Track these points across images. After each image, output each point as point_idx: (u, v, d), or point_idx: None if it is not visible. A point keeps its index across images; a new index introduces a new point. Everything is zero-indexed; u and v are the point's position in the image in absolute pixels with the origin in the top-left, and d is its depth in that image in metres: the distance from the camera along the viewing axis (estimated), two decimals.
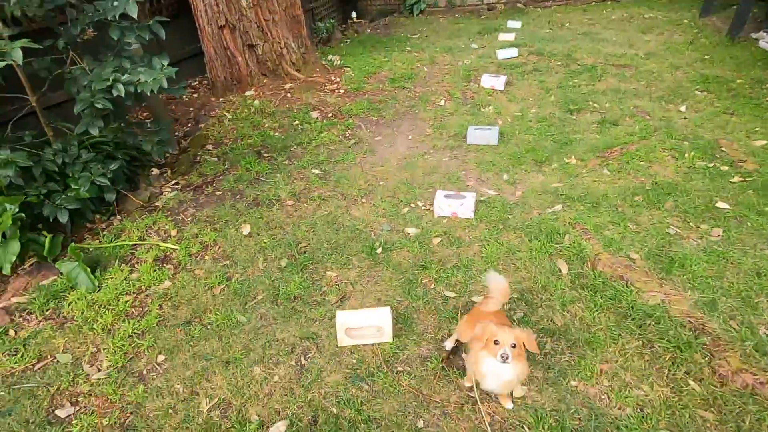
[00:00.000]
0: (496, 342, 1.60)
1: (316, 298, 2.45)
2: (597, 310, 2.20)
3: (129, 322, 2.33)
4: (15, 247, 2.53)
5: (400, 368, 2.04)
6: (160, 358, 2.16)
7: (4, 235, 2.53)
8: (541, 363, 1.98)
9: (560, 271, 2.47)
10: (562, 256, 2.57)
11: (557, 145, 3.76)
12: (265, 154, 3.96)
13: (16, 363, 2.14)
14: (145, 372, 2.10)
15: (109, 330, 2.31)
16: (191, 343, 2.22)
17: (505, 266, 2.55)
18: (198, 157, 3.97)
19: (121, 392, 1.99)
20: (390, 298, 2.42)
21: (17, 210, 2.55)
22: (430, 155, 3.80)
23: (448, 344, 2.09)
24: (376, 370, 2.02)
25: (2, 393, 2.00)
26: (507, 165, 3.55)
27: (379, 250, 2.75)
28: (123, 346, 2.21)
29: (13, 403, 1.96)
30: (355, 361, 2.08)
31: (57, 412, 1.93)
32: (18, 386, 2.03)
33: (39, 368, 2.13)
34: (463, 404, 1.86)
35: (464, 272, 2.53)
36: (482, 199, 3.15)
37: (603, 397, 1.84)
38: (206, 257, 2.80)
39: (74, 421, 1.87)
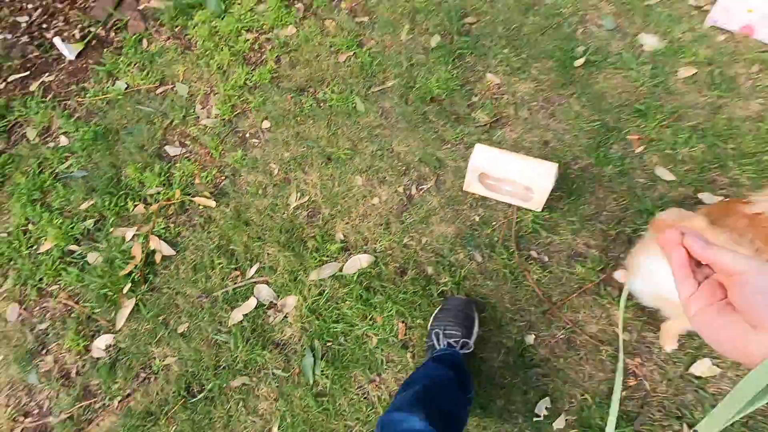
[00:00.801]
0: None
1: (459, 109, 1.73)
2: None
3: (243, 69, 1.97)
4: None
5: (533, 254, 1.43)
6: (265, 124, 1.85)
7: None
8: None
9: None
10: None
11: None
12: None
13: (143, 80, 2.05)
14: (248, 135, 1.84)
15: (224, 71, 2.01)
16: (298, 118, 1.83)
17: None
18: None
19: (222, 150, 1.81)
20: (564, 147, 1.60)
21: None
22: None
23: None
24: (501, 243, 1.46)
25: (129, 108, 1.98)
26: None
27: (578, 62, 1.74)
28: (233, 96, 1.92)
29: (135, 122, 1.93)
30: (477, 219, 1.52)
31: (167, 148, 1.86)
32: (141, 107, 1.97)
33: (160, 93, 2.01)
34: (601, 344, 1.28)
35: (712, 143, 1.49)
36: None
37: None
38: (342, 5, 2.10)
39: (178, 165, 1.80)
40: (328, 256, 1.53)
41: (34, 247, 1.70)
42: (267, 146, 1.79)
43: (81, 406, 1.40)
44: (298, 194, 1.67)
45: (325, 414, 1.31)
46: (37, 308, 1.60)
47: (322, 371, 1.36)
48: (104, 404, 1.40)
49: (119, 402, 1.39)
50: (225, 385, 1.37)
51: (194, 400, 1.36)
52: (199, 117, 1.92)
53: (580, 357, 1.28)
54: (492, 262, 1.44)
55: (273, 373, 1.38)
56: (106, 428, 1.36)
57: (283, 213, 1.63)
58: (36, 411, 1.43)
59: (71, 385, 1.44)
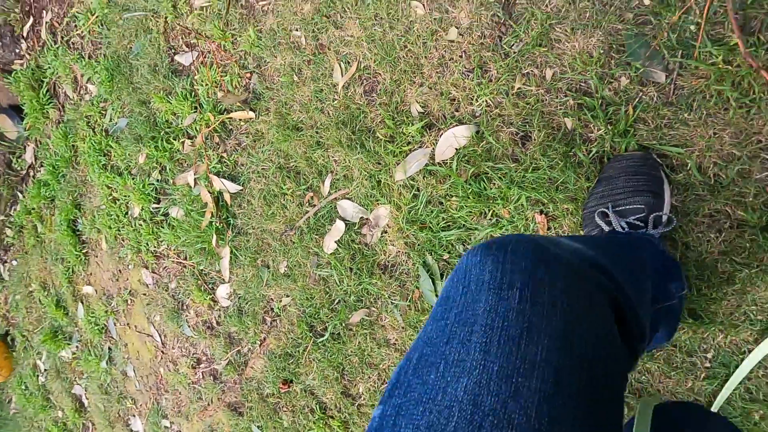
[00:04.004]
0: None
1: None
2: None
3: None
4: None
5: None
6: None
7: None
8: None
9: None
10: None
11: None
12: None
13: None
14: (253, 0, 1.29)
15: None
16: None
17: None
18: None
19: (232, 36, 1.33)
20: None
21: None
22: None
23: None
24: (703, 34, 0.76)
25: (121, 22, 1.57)
26: None
27: None
28: None
29: (135, 38, 1.54)
30: (646, 2, 0.81)
31: (177, 57, 1.46)
32: (129, 15, 1.54)
33: None
34: None
35: None
36: None
37: None
38: None
39: (197, 76, 1.41)
40: (409, 143, 1.08)
41: (129, 213, 1.66)
42: (278, 5, 1.23)
43: (232, 353, 1.45)
44: (342, 64, 1.15)
45: None
46: (161, 269, 1.62)
47: None
48: (250, 349, 1.42)
49: (259, 346, 1.39)
50: (346, 321, 1.21)
51: (322, 339, 1.26)
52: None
53: None
54: (690, 77, 0.79)
55: (392, 302, 1.14)
56: (260, 369, 1.40)
57: (334, 99, 1.17)
58: (204, 359, 1.55)
59: (216, 334, 1.49)
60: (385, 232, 1.15)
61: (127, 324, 1.77)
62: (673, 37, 0.79)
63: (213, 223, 1.41)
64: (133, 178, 1.61)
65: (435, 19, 1.01)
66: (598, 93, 0.86)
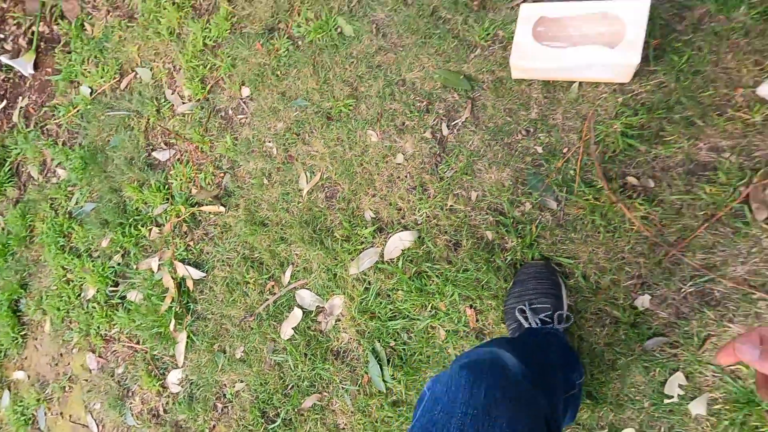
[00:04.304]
0: None
1: None
2: None
3: (197, 24, 1.55)
4: None
5: (632, 180, 1.01)
6: (245, 92, 1.48)
7: None
8: None
9: None
10: None
11: None
12: None
13: (102, 78, 1.74)
14: (231, 112, 1.51)
15: (178, 34, 1.61)
16: (278, 72, 1.42)
17: None
18: None
19: (210, 141, 1.51)
20: None
21: None
22: None
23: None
24: (580, 177, 1.05)
25: (103, 117, 1.72)
26: None
27: None
28: (198, 67, 1.55)
29: (114, 132, 1.68)
30: (540, 150, 1.10)
31: (155, 153, 1.61)
32: (112, 113, 1.69)
33: (125, 87, 1.70)
34: (754, 291, 0.91)
35: None
36: None
37: None
38: None
39: (172, 172, 1.55)
40: (362, 243, 1.26)
41: (82, 295, 1.67)
42: (255, 121, 1.45)
43: None
44: (307, 173, 1.36)
45: (409, 422, 1.17)
46: (109, 354, 1.61)
47: (392, 376, 1.19)
48: None
49: None
50: (298, 406, 1.28)
51: (273, 426, 1.30)
52: (173, 105, 1.60)
53: (722, 315, 0.93)
54: (572, 207, 1.06)
55: (342, 387, 1.24)
56: None
57: (298, 202, 1.35)
58: None
59: (162, 423, 1.47)
60: (339, 320, 1.28)
61: (60, 413, 1.68)
62: (559, 178, 1.07)
63: (173, 308, 1.46)
64: (92, 261, 1.65)
65: (386, 146, 1.26)
66: (510, 214, 1.11)
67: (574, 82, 1.07)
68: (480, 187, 1.15)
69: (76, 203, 1.74)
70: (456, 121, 1.19)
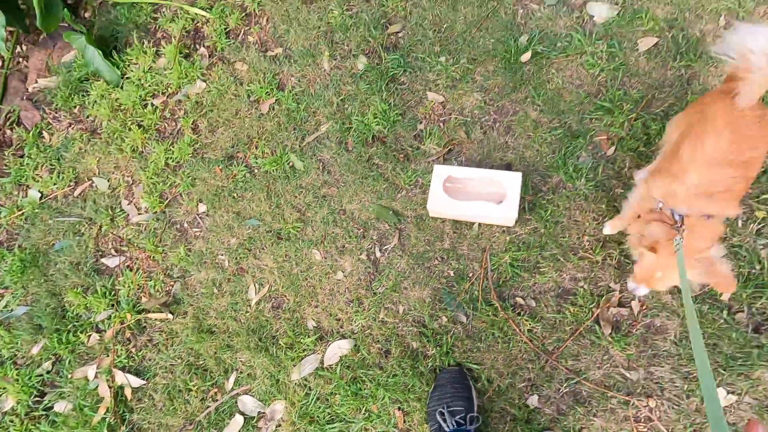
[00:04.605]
0: None
1: (405, 144, 1.55)
2: None
3: (160, 146, 1.75)
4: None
5: (519, 300, 1.32)
6: (201, 208, 1.66)
7: None
8: None
9: None
10: None
11: None
12: None
13: (56, 184, 1.82)
14: (186, 225, 1.66)
15: (141, 152, 1.79)
16: (234, 193, 1.64)
17: None
18: None
19: (163, 250, 1.63)
20: (528, 167, 1.43)
21: None
22: None
23: (608, 228, 1.27)
24: (482, 297, 1.34)
25: (50, 222, 1.77)
26: None
27: (525, 57, 1.53)
28: (158, 183, 1.72)
29: (62, 237, 1.74)
30: (452, 274, 1.39)
31: (104, 260, 1.68)
32: (62, 218, 1.76)
33: (79, 194, 1.80)
34: (608, 390, 1.20)
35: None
36: None
37: None
38: (250, 39, 1.83)
39: (120, 278, 1.63)
40: (304, 350, 1.42)
41: None
42: (209, 235, 1.62)
43: None
44: (257, 285, 1.52)
45: None
46: None
47: None
48: None
49: None
50: None
51: None
52: (128, 215, 1.73)
53: (589, 410, 1.20)
54: (478, 321, 1.33)
55: None
56: None
57: (246, 311, 1.50)
58: None
59: None
60: (280, 426, 1.38)
61: None
62: (467, 297, 1.35)
63: (106, 419, 1.46)
64: (17, 369, 1.59)
65: (328, 264, 1.49)
66: (430, 326, 1.35)
67: (475, 223, 1.40)
68: (406, 302, 1.40)
69: (6, 306, 1.71)
70: (387, 246, 1.46)
